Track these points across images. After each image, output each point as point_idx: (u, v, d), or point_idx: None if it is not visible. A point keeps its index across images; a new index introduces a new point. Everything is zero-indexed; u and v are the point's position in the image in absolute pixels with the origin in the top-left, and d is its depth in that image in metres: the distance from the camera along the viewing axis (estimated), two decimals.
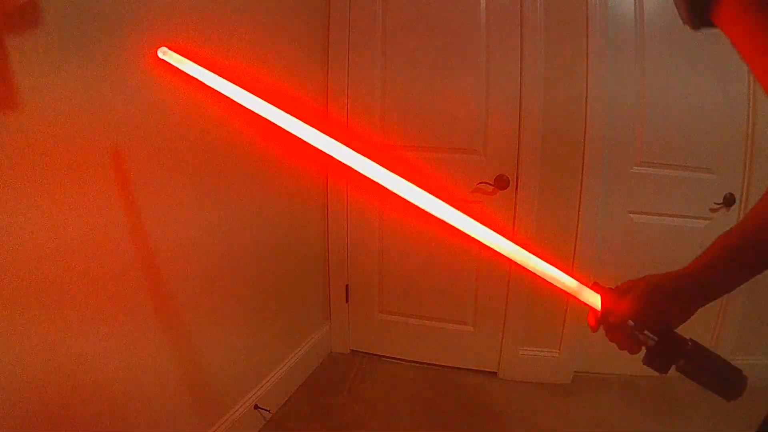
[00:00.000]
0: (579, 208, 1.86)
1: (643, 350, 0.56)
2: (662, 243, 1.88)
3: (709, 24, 0.47)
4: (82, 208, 0.94)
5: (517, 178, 1.88)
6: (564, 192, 1.87)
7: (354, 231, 2.12)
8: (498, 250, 0.62)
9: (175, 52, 0.77)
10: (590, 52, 1.75)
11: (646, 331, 0.54)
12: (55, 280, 0.90)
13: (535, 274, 0.61)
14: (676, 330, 0.55)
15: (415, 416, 1.79)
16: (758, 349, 1.93)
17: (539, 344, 2.01)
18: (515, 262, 0.62)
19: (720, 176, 1.85)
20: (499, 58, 1.84)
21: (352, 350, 2.24)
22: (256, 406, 1.59)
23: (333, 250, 2.15)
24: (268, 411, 1.64)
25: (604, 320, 0.57)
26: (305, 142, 0.68)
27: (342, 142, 0.66)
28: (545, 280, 0.61)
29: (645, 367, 0.56)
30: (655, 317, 0.54)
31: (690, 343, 0.54)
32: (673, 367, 0.55)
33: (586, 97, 1.78)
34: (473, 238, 0.62)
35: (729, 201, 1.84)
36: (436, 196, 0.63)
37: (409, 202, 0.64)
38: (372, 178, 0.65)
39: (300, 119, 0.68)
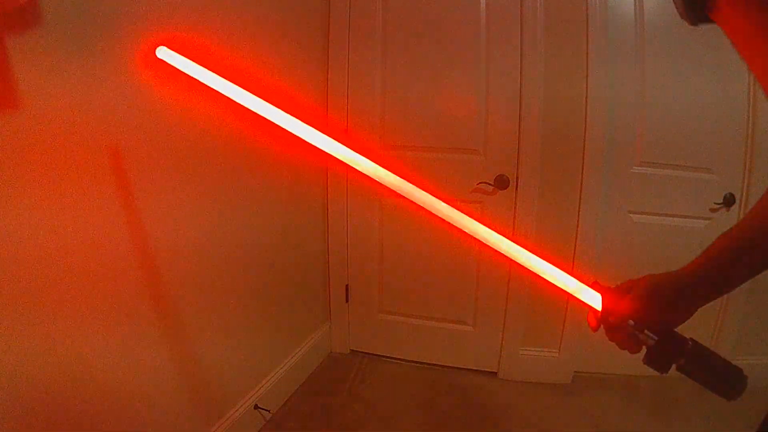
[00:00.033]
0: (579, 208, 1.86)
1: (644, 350, 0.56)
2: (662, 243, 1.88)
3: (707, 20, 0.47)
4: (81, 208, 0.94)
5: (517, 178, 1.88)
6: (564, 192, 1.87)
7: (354, 231, 2.12)
8: (498, 249, 0.62)
9: (173, 51, 0.78)
10: (590, 52, 1.75)
11: (646, 331, 0.54)
12: (55, 280, 0.90)
13: (535, 273, 0.61)
14: (676, 329, 0.55)
15: (415, 416, 1.79)
16: (758, 349, 1.93)
17: (539, 344, 2.01)
18: (515, 262, 0.62)
19: (720, 176, 1.85)
20: (499, 58, 1.84)
21: (352, 350, 2.24)
22: (256, 406, 1.59)
23: (333, 250, 2.15)
24: (268, 411, 1.64)
25: (605, 320, 0.57)
26: (305, 141, 0.68)
27: (342, 142, 0.66)
28: (545, 279, 0.61)
29: (645, 366, 0.56)
30: (655, 317, 0.54)
31: (690, 343, 0.54)
32: (674, 366, 0.54)
33: (586, 97, 1.78)
34: (473, 238, 0.62)
35: (729, 201, 1.84)
36: (436, 196, 0.63)
37: (409, 201, 0.64)
38: (372, 177, 0.65)
39: (299, 119, 0.68)
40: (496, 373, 2.07)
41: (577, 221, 1.87)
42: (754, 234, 0.51)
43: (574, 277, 0.61)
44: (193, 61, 0.76)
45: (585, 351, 1.98)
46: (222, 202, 1.39)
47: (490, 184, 1.90)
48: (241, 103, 0.71)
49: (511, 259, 0.62)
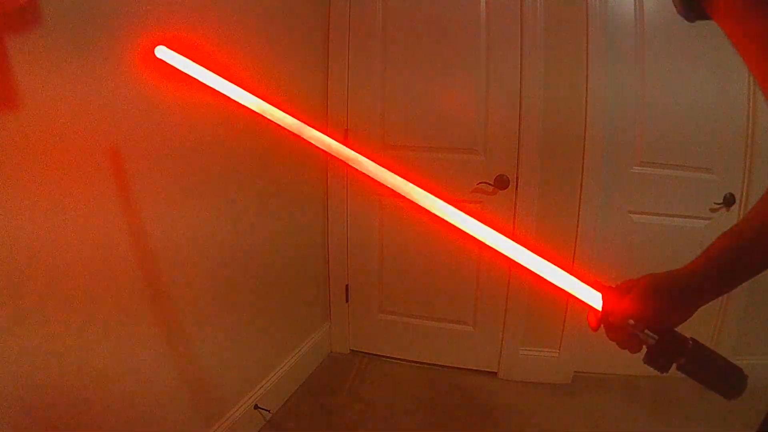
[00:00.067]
0: (579, 208, 1.86)
1: (644, 349, 0.56)
2: (662, 243, 1.88)
3: (704, 16, 0.47)
4: (81, 208, 0.94)
5: (517, 178, 1.88)
6: (564, 192, 1.87)
7: (354, 231, 2.12)
8: (498, 249, 0.61)
9: (172, 50, 0.78)
10: (590, 52, 1.75)
11: (646, 330, 0.54)
12: (55, 280, 0.89)
13: (535, 273, 0.61)
14: (676, 329, 0.55)
15: (415, 416, 1.79)
16: (758, 349, 1.93)
17: (539, 344, 2.01)
18: (515, 262, 0.62)
19: (720, 176, 1.85)
20: (499, 58, 1.84)
21: (352, 350, 2.24)
22: (256, 406, 1.59)
23: (333, 250, 2.15)
24: (268, 411, 1.64)
25: (605, 319, 0.57)
26: (305, 141, 0.68)
27: (341, 142, 0.66)
28: (545, 279, 0.61)
29: (645, 366, 0.56)
30: (656, 316, 0.54)
31: (691, 342, 0.54)
32: (674, 366, 0.54)
33: (586, 97, 1.78)
34: (473, 237, 0.62)
35: (729, 201, 1.84)
36: (436, 196, 0.63)
37: (409, 201, 0.64)
38: (372, 177, 0.64)
39: (299, 118, 0.68)
40: (496, 373, 2.07)
41: (577, 221, 1.87)
42: (754, 234, 0.51)
43: (574, 276, 0.61)
44: (192, 60, 0.76)
45: (585, 351, 1.98)
46: (222, 201, 1.39)
47: (490, 184, 1.90)
48: (241, 102, 0.71)
49: (511, 259, 0.62)
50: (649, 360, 0.55)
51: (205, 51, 1.20)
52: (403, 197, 0.64)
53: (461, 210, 0.63)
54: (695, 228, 1.87)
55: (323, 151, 0.67)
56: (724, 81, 1.77)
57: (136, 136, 1.07)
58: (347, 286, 2.18)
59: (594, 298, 0.59)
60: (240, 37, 1.41)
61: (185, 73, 0.76)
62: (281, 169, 1.70)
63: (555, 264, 0.61)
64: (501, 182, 1.88)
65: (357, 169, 0.65)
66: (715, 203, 1.85)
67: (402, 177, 0.64)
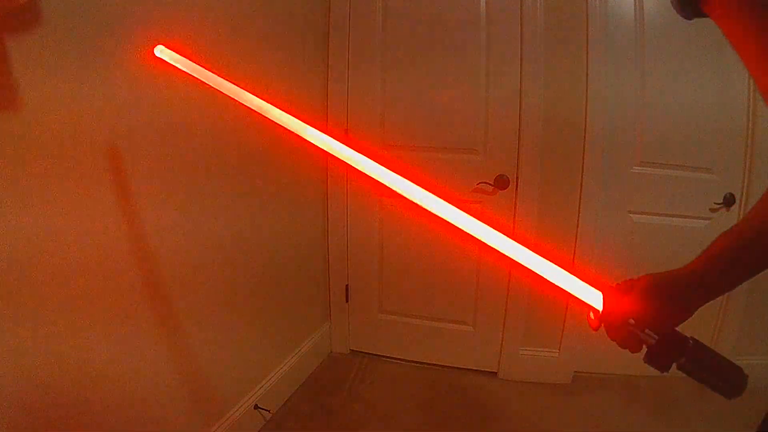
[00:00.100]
0: (579, 207, 1.86)
1: (644, 349, 0.56)
2: (662, 243, 1.88)
3: (701, 14, 0.47)
4: (81, 208, 0.94)
5: (517, 178, 1.88)
6: (564, 192, 1.87)
7: (354, 231, 2.12)
8: (498, 248, 0.61)
9: (172, 50, 0.78)
10: (590, 52, 1.75)
11: (646, 330, 0.54)
12: (54, 280, 0.89)
13: (535, 273, 0.61)
14: (676, 329, 0.55)
15: (415, 416, 1.79)
16: (758, 349, 1.93)
17: (539, 344, 2.01)
18: (515, 262, 0.62)
19: (720, 176, 1.85)
20: (499, 58, 1.84)
21: (352, 350, 2.24)
22: (256, 406, 1.59)
23: (333, 250, 2.15)
24: (268, 411, 1.64)
25: (605, 319, 0.57)
26: (305, 140, 0.68)
27: (341, 141, 0.66)
28: (545, 279, 0.61)
29: (645, 366, 0.56)
30: (656, 316, 0.54)
31: (691, 342, 0.54)
32: (674, 365, 0.54)
33: (586, 97, 1.78)
34: (473, 237, 0.62)
35: (729, 201, 1.84)
36: (436, 196, 0.63)
37: (409, 201, 0.63)
38: (372, 177, 0.64)
39: (299, 118, 0.68)
40: (496, 373, 2.07)
41: (577, 221, 1.87)
42: (754, 234, 0.51)
43: (575, 275, 0.61)
44: (192, 60, 0.76)
45: (585, 351, 1.98)
46: (222, 201, 1.39)
47: (490, 184, 1.90)
48: (241, 101, 0.71)
49: (512, 259, 0.62)
50: (650, 359, 0.55)
51: (204, 50, 1.21)
52: (404, 197, 0.64)
53: (461, 210, 0.63)
54: (695, 228, 1.87)
55: (323, 151, 0.67)
56: (724, 81, 1.77)
57: (136, 136, 1.07)
58: (347, 286, 2.18)
59: (594, 298, 0.59)
60: (240, 37, 1.41)
61: (185, 73, 0.76)
62: (281, 169, 1.70)
63: (555, 263, 0.61)
64: (501, 182, 1.88)
65: (357, 169, 0.65)
66: (715, 203, 1.85)
67: (402, 177, 0.64)
